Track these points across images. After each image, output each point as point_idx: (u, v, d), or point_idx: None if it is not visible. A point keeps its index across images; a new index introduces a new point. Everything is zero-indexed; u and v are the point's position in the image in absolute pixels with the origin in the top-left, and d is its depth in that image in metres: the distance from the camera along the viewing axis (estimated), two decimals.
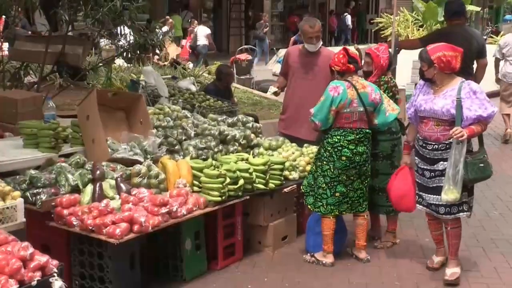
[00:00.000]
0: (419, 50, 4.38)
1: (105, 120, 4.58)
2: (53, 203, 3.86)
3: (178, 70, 11.75)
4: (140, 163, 4.43)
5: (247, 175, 4.59)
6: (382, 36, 18.39)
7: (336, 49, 4.88)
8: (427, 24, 16.29)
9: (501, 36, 14.88)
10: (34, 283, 2.96)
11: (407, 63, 10.88)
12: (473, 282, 4.37)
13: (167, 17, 17.20)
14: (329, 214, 4.56)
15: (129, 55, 6.78)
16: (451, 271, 4.31)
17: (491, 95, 12.08)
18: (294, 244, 5.04)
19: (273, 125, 7.13)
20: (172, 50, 14.73)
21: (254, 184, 4.67)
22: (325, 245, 4.62)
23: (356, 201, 4.62)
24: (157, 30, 6.32)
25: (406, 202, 4.50)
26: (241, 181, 4.53)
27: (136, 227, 3.77)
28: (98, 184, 4.03)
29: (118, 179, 4.15)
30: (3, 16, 7.40)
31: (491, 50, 8.26)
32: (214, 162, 4.64)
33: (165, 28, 15.83)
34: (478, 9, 21.92)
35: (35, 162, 4.28)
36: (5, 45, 7.95)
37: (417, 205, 4.42)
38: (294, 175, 5.09)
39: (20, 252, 3.02)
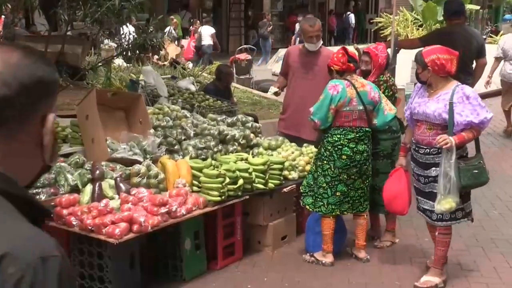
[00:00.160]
0: (417, 50, 4.36)
1: (105, 120, 4.58)
2: (52, 203, 3.86)
3: (178, 70, 11.74)
4: (140, 163, 4.43)
5: (246, 175, 4.59)
6: (382, 35, 18.37)
7: (337, 49, 4.88)
8: (426, 24, 16.28)
9: (501, 35, 14.88)
10: None
11: (406, 63, 10.84)
12: (473, 282, 4.37)
13: (171, 17, 17.23)
14: (330, 214, 4.56)
15: (129, 55, 6.78)
16: (426, 279, 4.23)
17: (490, 94, 12.15)
18: (294, 244, 5.04)
19: (272, 125, 7.12)
20: (172, 50, 14.71)
21: (254, 184, 4.66)
22: (325, 245, 4.62)
23: (357, 201, 4.61)
24: (150, 30, 6.31)
25: (398, 204, 4.42)
26: (241, 181, 4.53)
27: (135, 227, 3.77)
28: (97, 184, 4.03)
29: (118, 179, 4.15)
30: (3, 16, 7.40)
31: (490, 50, 8.26)
32: (213, 162, 4.64)
33: (168, 28, 15.87)
34: (478, 8, 21.91)
35: None
36: None
37: (417, 210, 4.35)
38: (294, 174, 5.08)
39: None
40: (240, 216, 4.68)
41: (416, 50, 4.54)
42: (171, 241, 4.26)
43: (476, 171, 4.05)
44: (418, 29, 16.78)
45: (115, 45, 9.28)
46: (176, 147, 4.91)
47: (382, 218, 5.15)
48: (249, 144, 5.30)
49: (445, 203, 3.95)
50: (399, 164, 4.47)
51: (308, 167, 5.09)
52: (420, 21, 17.10)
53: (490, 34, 21.98)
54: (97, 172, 4.12)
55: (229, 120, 5.51)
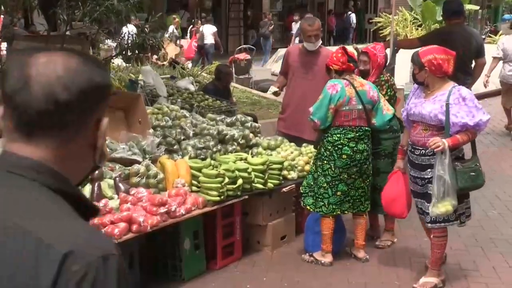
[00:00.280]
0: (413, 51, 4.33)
1: None
2: None
3: (177, 69, 11.74)
4: (139, 162, 4.43)
5: (245, 174, 4.59)
6: (381, 35, 18.38)
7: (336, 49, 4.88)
8: (425, 24, 16.29)
9: (500, 35, 14.89)
10: None
11: (405, 63, 10.81)
12: (472, 282, 4.37)
13: (174, 16, 17.23)
14: (331, 213, 4.56)
15: (128, 55, 6.77)
16: (425, 280, 4.22)
17: (489, 94, 12.16)
18: (293, 244, 5.04)
19: (272, 125, 7.12)
20: (171, 50, 14.71)
21: (253, 184, 4.66)
22: (324, 245, 4.62)
23: (357, 200, 4.61)
24: (149, 29, 6.31)
25: (396, 207, 4.41)
26: (240, 181, 4.53)
27: (134, 227, 3.76)
28: (96, 184, 4.02)
29: (117, 178, 4.15)
30: (1, 16, 7.39)
31: (489, 50, 8.26)
32: (212, 161, 4.63)
33: (171, 28, 15.89)
34: (477, 8, 21.92)
35: None
36: (3, 45, 7.93)
37: (417, 212, 4.31)
38: (293, 174, 5.08)
39: None
40: (240, 216, 4.68)
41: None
42: (170, 241, 4.26)
43: (473, 173, 4.00)
44: (417, 29, 16.78)
45: (114, 45, 9.27)
46: (175, 147, 4.90)
47: (381, 218, 5.15)
48: (248, 144, 5.29)
49: (441, 206, 3.89)
50: (397, 166, 4.43)
51: (307, 167, 5.09)
52: (419, 21, 17.10)
53: (489, 34, 21.99)
54: (96, 172, 4.12)
55: (228, 120, 5.51)
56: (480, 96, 11.96)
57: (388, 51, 6.40)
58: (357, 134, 4.48)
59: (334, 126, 4.48)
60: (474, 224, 5.48)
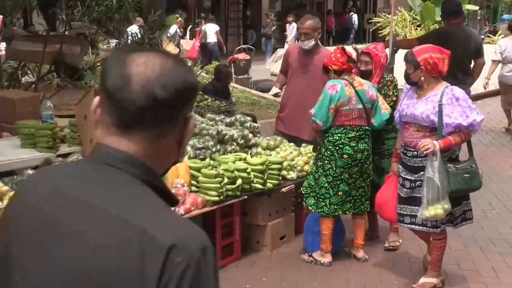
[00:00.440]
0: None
1: None
2: None
3: None
4: None
5: (245, 174, 4.59)
6: (380, 35, 18.41)
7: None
8: (424, 24, 16.31)
9: (499, 35, 14.89)
10: None
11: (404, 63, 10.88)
12: (471, 282, 4.37)
13: (176, 15, 17.24)
14: (333, 214, 4.56)
15: None
16: (424, 280, 4.19)
17: (489, 94, 12.17)
18: (293, 244, 5.04)
19: (271, 125, 7.12)
20: (170, 50, 14.70)
21: (252, 184, 4.66)
22: (323, 245, 4.62)
23: (358, 200, 4.61)
24: (136, 28, 6.31)
25: (387, 210, 4.33)
26: (239, 181, 4.53)
27: None
28: None
29: None
30: (1, 16, 7.39)
31: (488, 50, 8.27)
32: (212, 162, 4.64)
33: (174, 27, 15.90)
34: (476, 8, 21.94)
35: (33, 162, 4.28)
36: (3, 45, 7.94)
37: (398, 223, 4.24)
38: (292, 174, 5.08)
39: None
40: (239, 216, 4.68)
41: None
42: None
43: (467, 175, 3.89)
44: (416, 29, 16.79)
45: (112, 46, 9.28)
46: None
47: (381, 218, 5.14)
48: (247, 144, 5.29)
49: (432, 210, 3.80)
50: (392, 170, 4.36)
51: (306, 167, 5.09)
52: (419, 21, 17.11)
53: (488, 34, 22.00)
54: None
55: (228, 120, 5.51)
56: (479, 96, 12.00)
57: (388, 51, 6.39)
58: (358, 134, 4.48)
59: (335, 126, 4.48)
60: (474, 224, 5.47)
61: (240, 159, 4.83)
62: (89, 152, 4.27)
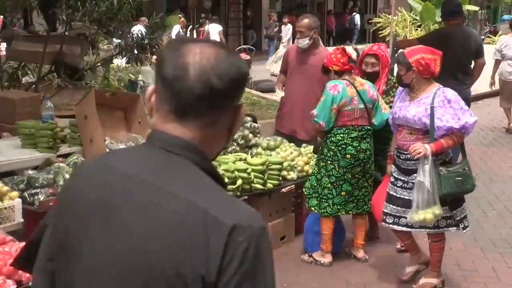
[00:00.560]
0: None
1: (103, 120, 4.58)
2: (51, 204, 3.85)
3: None
4: None
5: (245, 175, 4.59)
6: (380, 36, 18.41)
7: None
8: (425, 24, 16.31)
9: (499, 36, 14.90)
10: (31, 283, 2.95)
11: None
12: (471, 282, 4.38)
13: (179, 15, 17.27)
14: (336, 214, 4.57)
15: (129, 55, 6.78)
16: (424, 281, 4.17)
17: (489, 94, 12.16)
18: (293, 244, 5.04)
19: (271, 125, 7.12)
20: None
21: (252, 184, 4.67)
22: (324, 245, 4.62)
23: (361, 200, 4.61)
24: (131, 30, 6.33)
25: (377, 210, 4.32)
26: (239, 181, 4.53)
27: None
28: None
29: None
30: (1, 16, 7.40)
31: (489, 50, 8.28)
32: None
33: (177, 27, 15.94)
34: (477, 9, 21.93)
35: (33, 162, 4.28)
36: (3, 45, 7.94)
37: (382, 222, 4.19)
38: (292, 175, 5.09)
39: (18, 252, 3.01)
40: None
41: None
42: None
43: (459, 178, 3.82)
44: (416, 29, 16.79)
45: (112, 46, 9.28)
46: None
47: None
48: (247, 144, 5.30)
49: (421, 214, 3.76)
50: (387, 172, 4.36)
51: (306, 168, 5.10)
52: (419, 22, 17.11)
53: (489, 35, 22.00)
54: None
55: None
56: (479, 97, 12.01)
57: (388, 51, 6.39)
58: (360, 133, 4.48)
59: (337, 126, 4.47)
60: (474, 224, 5.48)
61: (240, 160, 4.83)
62: (89, 152, 4.26)
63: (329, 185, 4.52)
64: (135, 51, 6.65)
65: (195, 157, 1.22)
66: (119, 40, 7.10)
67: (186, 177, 1.20)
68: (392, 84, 4.82)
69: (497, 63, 9.39)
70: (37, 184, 3.91)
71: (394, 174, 4.12)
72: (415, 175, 3.86)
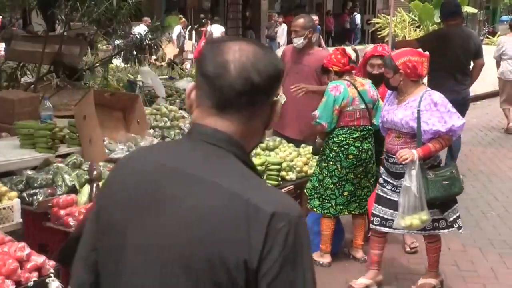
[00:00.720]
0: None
1: (102, 121, 4.57)
2: (49, 204, 3.85)
3: (176, 70, 11.74)
4: None
5: None
6: (379, 36, 18.42)
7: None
8: (423, 25, 16.32)
9: (498, 37, 14.93)
10: (30, 283, 2.95)
11: None
12: (470, 282, 4.38)
13: (180, 15, 17.28)
14: (339, 214, 4.57)
15: (128, 55, 6.78)
16: (423, 281, 4.17)
17: (489, 95, 12.18)
18: None
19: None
20: (169, 51, 14.71)
21: None
22: (323, 245, 4.62)
23: (364, 200, 4.61)
24: (131, 30, 6.33)
25: (369, 210, 4.33)
26: None
27: None
28: (95, 185, 4.01)
29: None
30: (0, 17, 7.39)
31: (488, 51, 8.29)
32: None
33: (178, 28, 15.92)
34: (475, 11, 21.96)
35: (32, 163, 4.27)
36: (2, 45, 7.94)
37: (371, 225, 4.18)
38: (291, 175, 5.07)
39: (16, 252, 3.01)
40: None
41: None
42: None
43: (446, 182, 3.78)
44: (415, 30, 16.80)
45: (111, 46, 9.27)
46: None
47: None
48: None
49: (408, 219, 3.74)
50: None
51: (305, 168, 5.09)
52: (418, 22, 17.13)
53: (487, 35, 22.01)
54: (95, 172, 4.10)
55: None
56: (478, 97, 12.01)
57: None
58: (362, 134, 4.48)
59: (339, 127, 4.47)
60: (472, 224, 5.49)
61: None
62: (88, 152, 4.26)
63: (332, 185, 4.52)
64: (134, 52, 6.65)
65: (236, 150, 1.27)
66: (119, 41, 7.10)
67: (229, 169, 1.25)
68: None
69: (499, 63, 9.41)
70: (36, 184, 3.91)
71: (383, 176, 4.10)
72: (403, 178, 3.83)
